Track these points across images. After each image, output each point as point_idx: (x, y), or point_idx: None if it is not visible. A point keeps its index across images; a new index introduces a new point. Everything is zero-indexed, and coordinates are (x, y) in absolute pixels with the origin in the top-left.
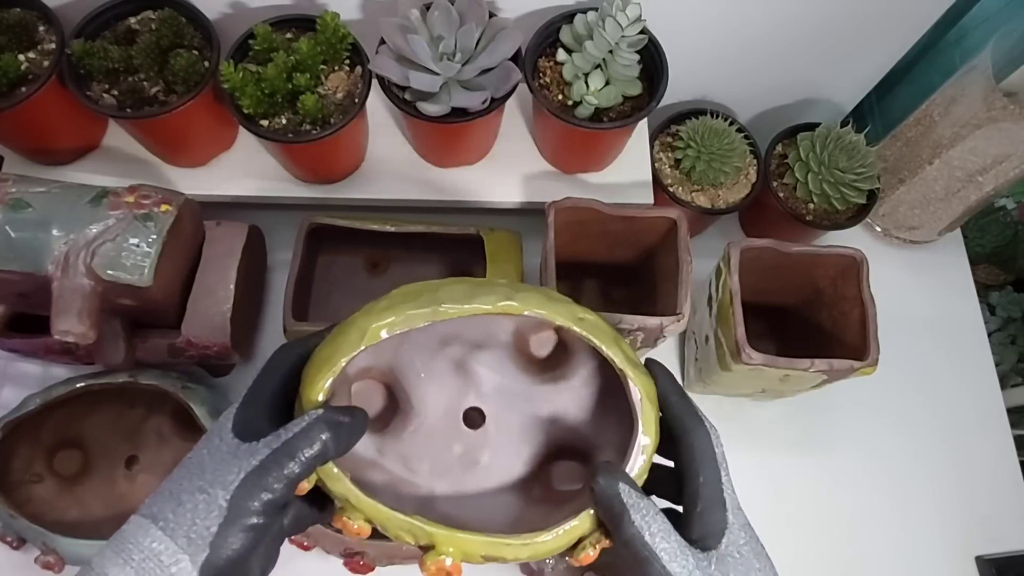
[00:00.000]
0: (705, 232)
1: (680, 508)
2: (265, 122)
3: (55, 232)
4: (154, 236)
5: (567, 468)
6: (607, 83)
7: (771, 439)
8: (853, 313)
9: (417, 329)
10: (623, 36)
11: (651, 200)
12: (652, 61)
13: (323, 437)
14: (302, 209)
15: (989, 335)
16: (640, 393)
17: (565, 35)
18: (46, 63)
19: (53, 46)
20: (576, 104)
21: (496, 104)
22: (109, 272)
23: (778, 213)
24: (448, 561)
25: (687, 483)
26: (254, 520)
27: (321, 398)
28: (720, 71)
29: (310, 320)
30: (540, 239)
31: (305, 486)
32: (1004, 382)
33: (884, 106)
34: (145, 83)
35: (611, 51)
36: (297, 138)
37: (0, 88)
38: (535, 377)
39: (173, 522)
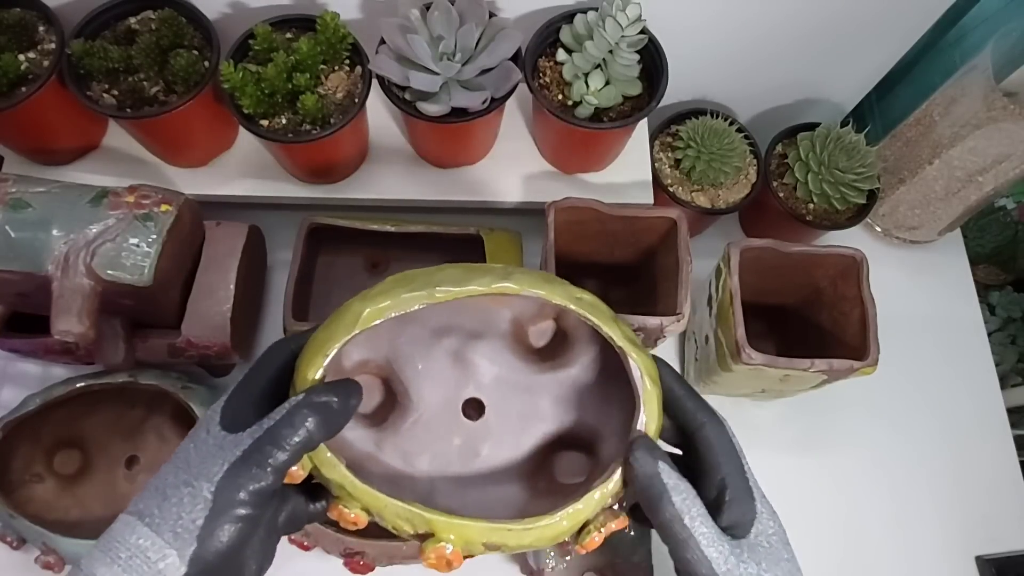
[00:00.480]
0: (705, 232)
1: None
2: (265, 122)
3: (55, 232)
4: (154, 236)
5: (570, 459)
6: (607, 83)
7: (771, 439)
8: (853, 313)
9: (414, 320)
10: (623, 36)
11: (651, 200)
12: (652, 61)
13: (307, 422)
14: (302, 209)
15: (989, 335)
16: (640, 370)
17: (565, 35)
18: (46, 63)
19: (53, 46)
20: (576, 104)
21: (496, 104)
22: (109, 272)
23: (778, 213)
24: (448, 548)
25: (709, 476)
26: (241, 511)
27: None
28: (720, 71)
29: (310, 320)
30: (540, 239)
31: (300, 473)
32: (1004, 382)
33: (884, 106)
34: (145, 83)
35: (611, 51)
36: (297, 138)
37: (0, 88)
38: (534, 366)
39: (159, 517)
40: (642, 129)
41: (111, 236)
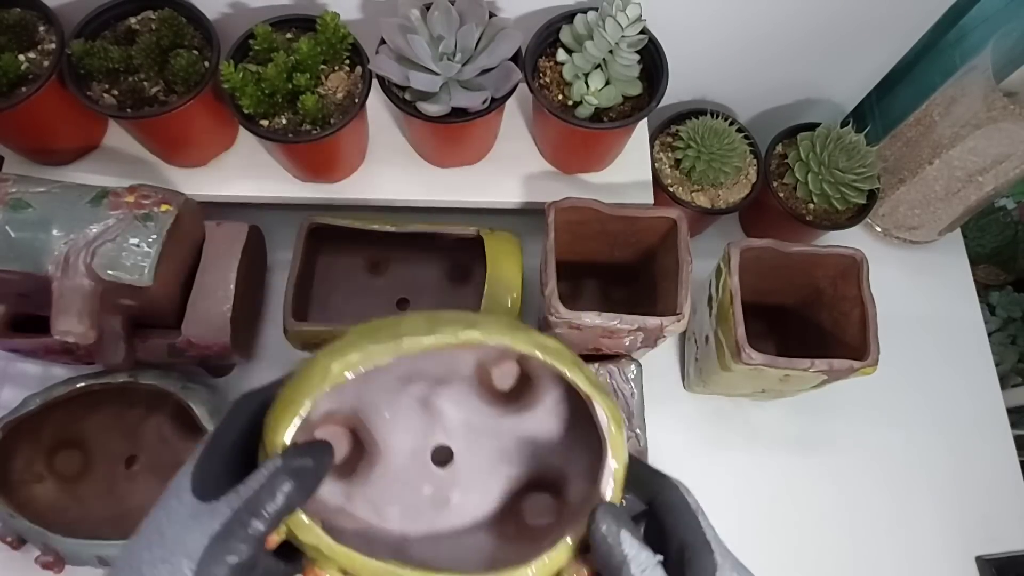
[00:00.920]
0: (705, 232)
1: None
2: (265, 122)
3: (55, 232)
4: (154, 236)
5: (539, 501)
6: (607, 83)
7: (771, 439)
8: (853, 313)
9: (379, 369)
10: (623, 36)
11: (651, 200)
12: (652, 61)
13: (286, 488)
14: (302, 209)
15: (989, 335)
16: (607, 417)
17: (565, 35)
18: (46, 63)
19: (53, 46)
20: (576, 104)
21: (496, 104)
22: (109, 272)
23: (778, 213)
24: None
25: (670, 538)
26: None
27: (287, 443)
28: (720, 71)
29: (310, 320)
30: (540, 239)
31: (275, 539)
32: (1004, 382)
33: (884, 106)
34: (145, 83)
35: (611, 51)
36: (297, 138)
37: (0, 88)
38: (500, 409)
39: None
40: (642, 129)
41: (111, 236)
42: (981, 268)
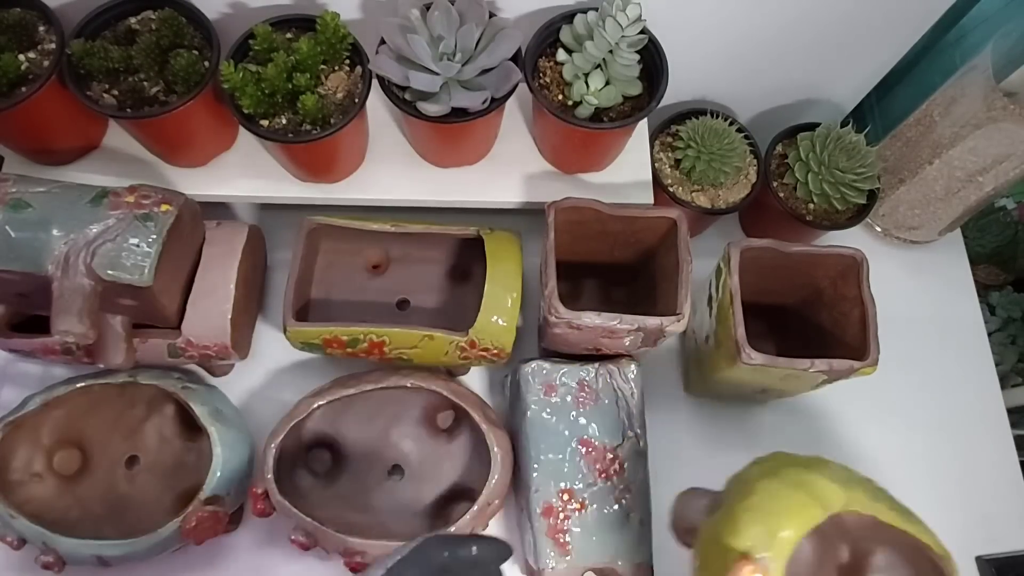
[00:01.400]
0: (705, 232)
1: None
2: (265, 122)
3: (55, 232)
4: (154, 236)
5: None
6: (607, 83)
7: (771, 439)
8: (853, 313)
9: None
10: (623, 36)
11: (651, 200)
12: (652, 61)
13: None
14: (302, 209)
15: (989, 335)
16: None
17: (565, 35)
18: (46, 63)
19: (53, 46)
20: (576, 104)
21: (496, 104)
22: (109, 272)
23: (778, 213)
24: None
25: None
26: None
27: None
28: (720, 71)
29: (310, 320)
30: (540, 239)
31: None
32: (1004, 382)
33: (884, 106)
34: (145, 83)
35: (611, 51)
36: (297, 138)
37: (0, 88)
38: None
39: None
40: (642, 129)
41: (111, 236)
42: (981, 268)
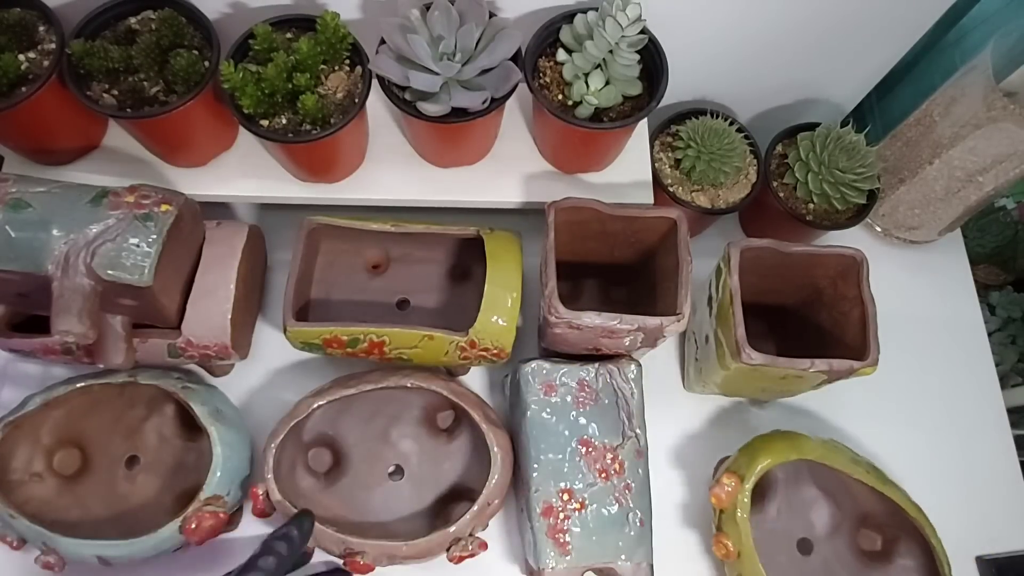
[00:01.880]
0: (705, 232)
1: None
2: (265, 122)
3: (55, 232)
4: (154, 236)
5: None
6: (607, 83)
7: None
8: (853, 313)
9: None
10: (623, 36)
11: (651, 200)
12: (652, 61)
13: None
14: (302, 209)
15: (989, 335)
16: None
17: (565, 35)
18: (46, 63)
19: (53, 46)
20: (576, 104)
21: (496, 104)
22: (109, 272)
23: (778, 213)
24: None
25: None
26: None
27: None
28: (720, 71)
29: (310, 320)
30: (540, 239)
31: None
32: (1004, 382)
33: (884, 106)
34: (145, 83)
35: (611, 51)
36: (297, 138)
37: (0, 88)
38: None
39: None
40: (642, 129)
41: (111, 236)
42: (981, 268)
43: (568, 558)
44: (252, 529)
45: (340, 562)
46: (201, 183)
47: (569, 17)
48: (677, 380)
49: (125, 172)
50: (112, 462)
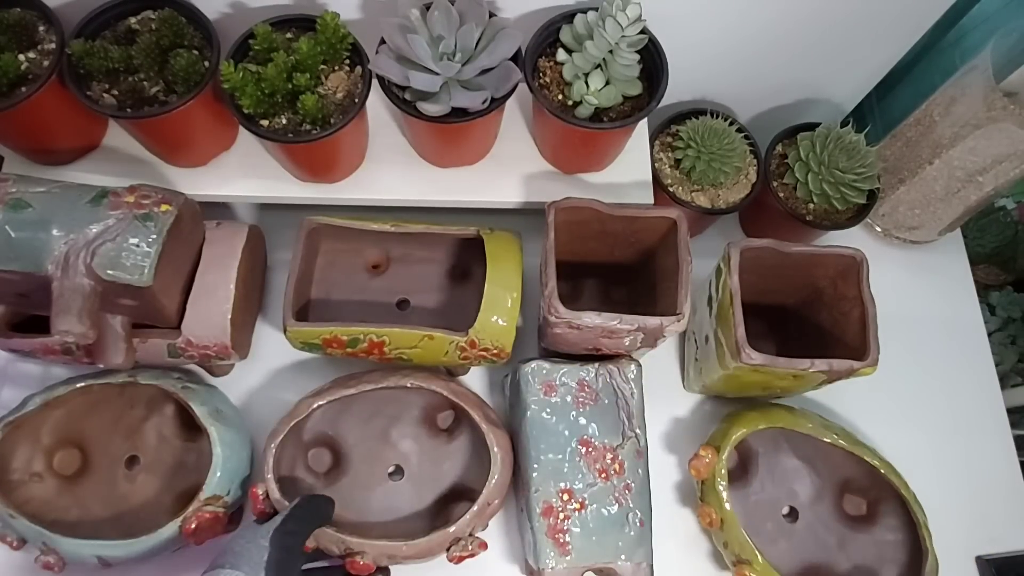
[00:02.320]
0: (705, 232)
1: None
2: (265, 122)
3: (55, 232)
4: (154, 236)
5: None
6: (607, 83)
7: None
8: (853, 313)
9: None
10: (623, 36)
11: (651, 200)
12: (652, 61)
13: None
14: (302, 209)
15: (989, 335)
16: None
17: (565, 35)
18: (46, 63)
19: (53, 46)
20: (576, 104)
21: (496, 104)
22: (109, 272)
23: (778, 213)
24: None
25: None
26: None
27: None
28: (720, 71)
29: (310, 320)
30: (540, 239)
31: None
32: (1004, 382)
33: (884, 106)
34: (145, 83)
35: (611, 51)
36: (297, 138)
37: (0, 88)
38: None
39: None
40: (642, 129)
41: (111, 236)
42: (981, 268)
43: (568, 558)
44: None
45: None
46: (201, 183)
47: (569, 17)
48: (677, 380)
49: (125, 172)
50: (112, 462)
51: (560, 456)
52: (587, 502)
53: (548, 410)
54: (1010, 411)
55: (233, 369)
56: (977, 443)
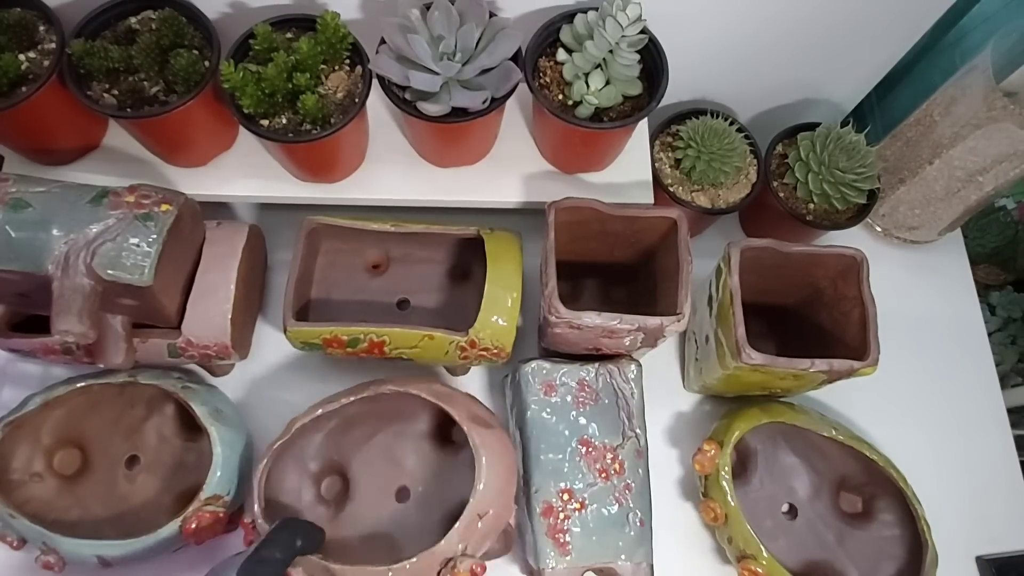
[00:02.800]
0: (705, 232)
1: None
2: (265, 122)
3: (55, 232)
4: (154, 236)
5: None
6: (607, 83)
7: None
8: (853, 313)
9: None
10: (623, 36)
11: (651, 200)
12: (652, 61)
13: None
14: (302, 209)
15: (989, 335)
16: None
17: (565, 35)
18: (46, 63)
19: (53, 46)
20: (576, 104)
21: (496, 104)
22: (109, 272)
23: (778, 213)
24: None
25: None
26: None
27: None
28: (720, 71)
29: (310, 320)
30: (540, 239)
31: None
32: (1004, 382)
33: (884, 106)
34: (145, 83)
35: (611, 51)
36: (297, 138)
37: (0, 88)
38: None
39: None
40: (642, 129)
41: (111, 236)
42: (981, 268)
43: (568, 558)
44: None
45: None
46: (201, 183)
47: (569, 17)
48: (677, 380)
49: (125, 172)
50: (112, 462)
51: (560, 456)
52: (587, 502)
53: (548, 410)
54: (1010, 411)
55: (233, 369)
56: (977, 443)
